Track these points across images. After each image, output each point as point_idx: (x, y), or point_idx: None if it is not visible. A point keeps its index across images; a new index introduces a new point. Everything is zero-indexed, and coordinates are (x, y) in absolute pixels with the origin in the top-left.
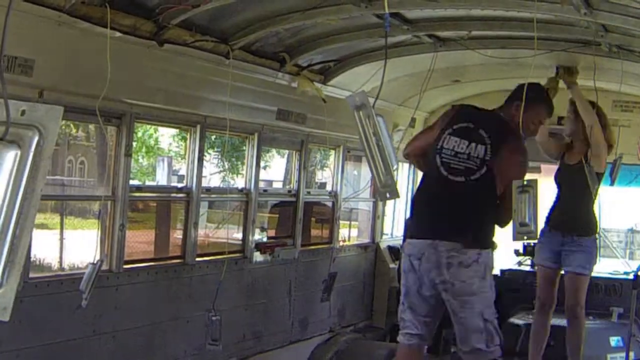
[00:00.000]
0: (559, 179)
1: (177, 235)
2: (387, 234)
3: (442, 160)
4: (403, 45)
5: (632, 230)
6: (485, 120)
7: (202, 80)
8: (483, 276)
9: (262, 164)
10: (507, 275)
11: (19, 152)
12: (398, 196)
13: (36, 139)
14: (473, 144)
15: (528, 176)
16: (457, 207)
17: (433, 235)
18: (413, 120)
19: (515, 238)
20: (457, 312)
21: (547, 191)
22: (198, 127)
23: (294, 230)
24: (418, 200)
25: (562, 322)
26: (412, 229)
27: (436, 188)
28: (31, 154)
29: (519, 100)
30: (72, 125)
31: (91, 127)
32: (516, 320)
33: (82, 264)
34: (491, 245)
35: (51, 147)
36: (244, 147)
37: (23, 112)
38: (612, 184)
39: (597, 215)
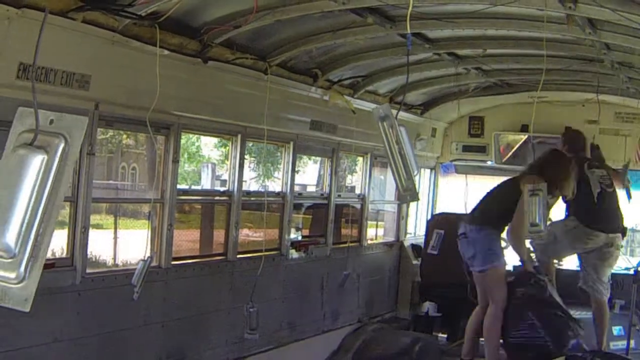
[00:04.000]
0: None
1: (219, 234)
2: (410, 233)
3: None
4: (424, 62)
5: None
6: None
7: (243, 94)
8: None
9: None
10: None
11: (45, 157)
12: (418, 199)
13: (62, 145)
14: None
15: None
16: None
17: None
18: (434, 130)
19: (525, 237)
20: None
21: None
22: (239, 136)
23: (326, 230)
24: None
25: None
26: None
27: None
28: (57, 159)
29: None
30: (124, 135)
31: (141, 136)
32: None
33: (134, 260)
34: None
35: (76, 153)
36: (278, 154)
37: (51, 121)
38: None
39: None
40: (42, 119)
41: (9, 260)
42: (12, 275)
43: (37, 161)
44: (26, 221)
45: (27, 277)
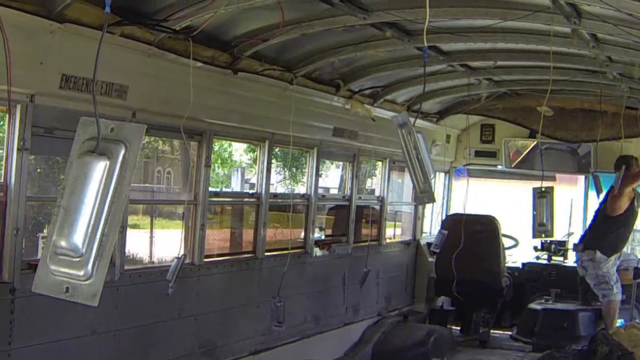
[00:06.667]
0: None
1: (248, 233)
2: (426, 233)
3: None
4: (439, 73)
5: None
6: None
7: (270, 103)
8: None
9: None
10: (528, 267)
11: (108, 163)
12: (434, 200)
13: (123, 152)
14: None
15: (545, 184)
16: None
17: None
18: (448, 136)
19: (534, 236)
20: None
21: (560, 196)
22: (267, 142)
23: (348, 230)
24: None
25: (572, 307)
26: None
27: None
28: (118, 165)
29: None
30: (160, 141)
31: (176, 142)
32: (535, 305)
33: (169, 258)
34: None
35: (135, 158)
36: (303, 159)
37: (112, 130)
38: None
39: None
40: (103, 127)
41: (77, 259)
42: (81, 272)
43: (100, 167)
44: (92, 223)
45: (94, 275)
